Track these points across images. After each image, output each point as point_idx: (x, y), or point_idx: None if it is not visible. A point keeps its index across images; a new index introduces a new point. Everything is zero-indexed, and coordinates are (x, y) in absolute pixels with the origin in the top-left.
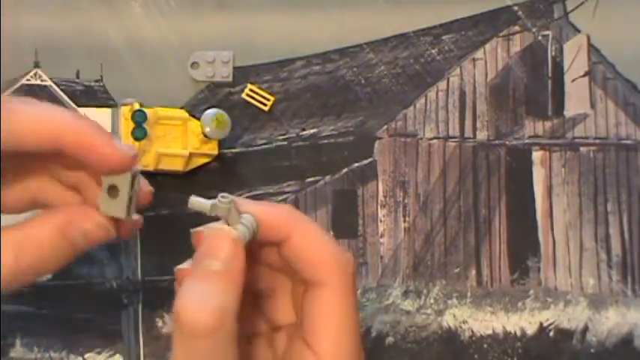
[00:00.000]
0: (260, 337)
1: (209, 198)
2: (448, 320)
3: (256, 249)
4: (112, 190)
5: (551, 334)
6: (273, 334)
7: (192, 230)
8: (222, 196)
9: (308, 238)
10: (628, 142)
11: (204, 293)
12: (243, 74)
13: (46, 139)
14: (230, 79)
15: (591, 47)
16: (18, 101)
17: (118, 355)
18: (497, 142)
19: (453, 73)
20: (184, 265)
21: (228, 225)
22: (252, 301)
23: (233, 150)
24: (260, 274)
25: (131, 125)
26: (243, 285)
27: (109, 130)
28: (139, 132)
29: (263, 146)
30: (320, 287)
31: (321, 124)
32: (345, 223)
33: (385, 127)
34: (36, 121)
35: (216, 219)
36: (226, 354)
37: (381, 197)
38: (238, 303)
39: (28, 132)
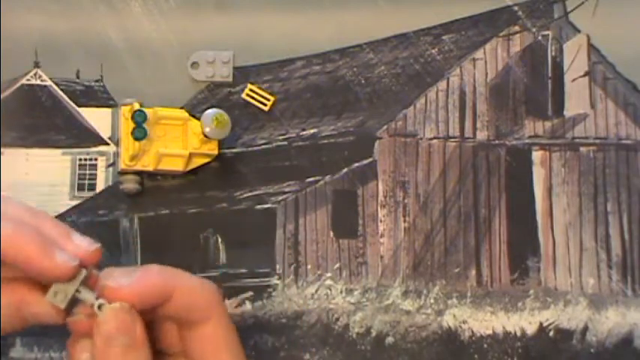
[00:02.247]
0: None
1: (209, 198)
2: (448, 320)
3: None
4: (58, 285)
5: (551, 334)
6: None
7: (70, 320)
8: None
9: (186, 290)
10: (628, 142)
11: None
12: (243, 74)
13: None
14: (230, 79)
15: (591, 47)
16: None
17: None
18: (497, 142)
19: (453, 73)
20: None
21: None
22: None
23: (233, 150)
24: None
25: (131, 125)
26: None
27: (109, 130)
28: (139, 132)
29: (263, 146)
30: (204, 323)
31: (321, 124)
32: (345, 223)
33: (385, 127)
34: None
35: None
36: None
37: (381, 197)
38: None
39: None
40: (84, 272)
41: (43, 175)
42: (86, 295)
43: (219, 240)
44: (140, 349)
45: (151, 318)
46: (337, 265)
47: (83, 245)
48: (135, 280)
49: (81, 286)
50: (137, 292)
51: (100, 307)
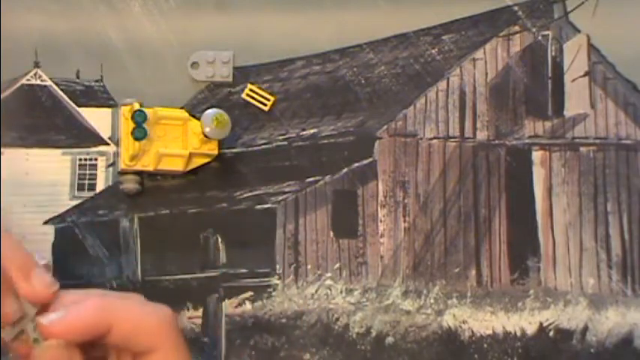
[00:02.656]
0: None
1: (209, 198)
2: (448, 320)
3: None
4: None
5: (551, 334)
6: None
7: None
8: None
9: (125, 322)
10: (628, 142)
11: None
12: (243, 74)
13: None
14: (230, 79)
15: (591, 47)
16: None
17: None
18: (497, 142)
19: (453, 73)
20: None
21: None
22: None
23: (233, 150)
24: None
25: (131, 125)
26: None
27: (109, 130)
28: (139, 132)
29: (263, 146)
30: (151, 354)
31: (321, 124)
32: (345, 223)
33: (385, 127)
34: None
35: None
36: None
37: (381, 197)
38: None
39: None
40: (34, 309)
41: (43, 175)
42: (29, 329)
43: (219, 240)
44: None
45: (104, 346)
46: (337, 265)
47: (38, 287)
48: (67, 316)
49: (29, 320)
50: (69, 329)
51: (35, 341)
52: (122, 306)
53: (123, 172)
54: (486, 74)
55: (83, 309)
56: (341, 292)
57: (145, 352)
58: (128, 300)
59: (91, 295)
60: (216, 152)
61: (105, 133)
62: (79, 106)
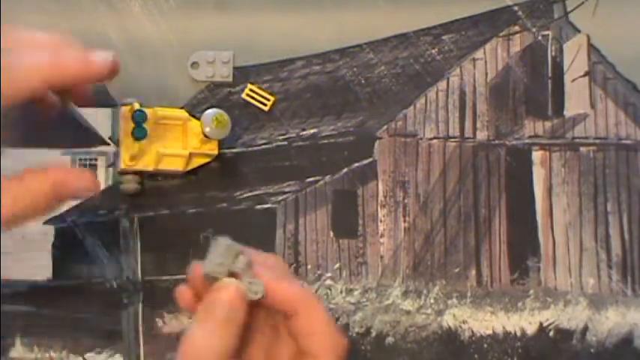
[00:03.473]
0: None
1: (209, 198)
2: (448, 320)
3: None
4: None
5: (551, 334)
6: None
7: (178, 289)
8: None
9: (316, 317)
10: (628, 142)
11: (208, 334)
12: (243, 74)
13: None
14: (230, 79)
15: (591, 47)
16: None
17: (118, 355)
18: (497, 142)
19: (453, 73)
20: (183, 288)
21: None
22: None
23: (233, 150)
24: (266, 333)
25: (131, 125)
26: (255, 339)
27: (109, 130)
28: (139, 132)
29: (263, 146)
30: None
31: (321, 124)
32: (345, 223)
33: (385, 127)
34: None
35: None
36: None
37: (381, 197)
38: (234, 347)
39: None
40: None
41: None
42: (246, 278)
43: None
44: (229, 330)
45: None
46: (337, 265)
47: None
48: (279, 278)
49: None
50: (276, 285)
51: (251, 290)
52: (317, 302)
53: (123, 172)
54: (486, 74)
55: (290, 284)
56: (341, 292)
57: (308, 356)
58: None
59: (271, 262)
60: (216, 152)
61: (105, 133)
62: (79, 106)
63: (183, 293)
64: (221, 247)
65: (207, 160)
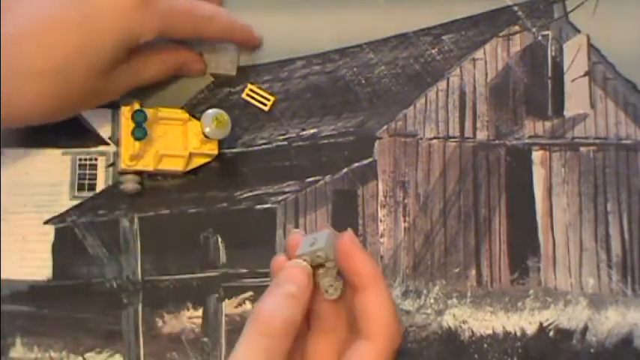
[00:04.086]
0: None
1: (209, 198)
2: (448, 320)
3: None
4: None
5: (551, 334)
6: None
7: (275, 257)
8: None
9: (379, 297)
10: (628, 142)
11: (280, 305)
12: (243, 74)
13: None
14: (234, 72)
15: (591, 47)
16: None
17: (118, 355)
18: (497, 142)
19: (453, 73)
20: (280, 257)
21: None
22: (303, 334)
23: (233, 150)
24: (333, 311)
25: (131, 125)
26: (317, 313)
27: (109, 130)
28: (139, 132)
29: (263, 146)
30: (367, 341)
31: (321, 124)
32: (345, 223)
33: (385, 127)
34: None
35: None
36: (280, 355)
37: (381, 197)
38: (301, 320)
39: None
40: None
41: (43, 175)
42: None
43: (219, 240)
44: (298, 304)
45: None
46: None
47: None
48: (358, 254)
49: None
50: (355, 261)
51: (330, 287)
52: (386, 284)
53: (123, 172)
54: (486, 74)
55: (367, 260)
56: None
57: (362, 336)
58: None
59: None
60: (216, 152)
61: (105, 133)
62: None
63: (277, 260)
64: (323, 239)
65: (207, 160)
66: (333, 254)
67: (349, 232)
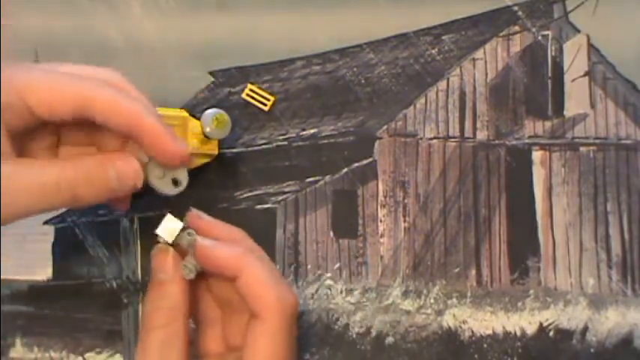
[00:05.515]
0: (216, 356)
1: (209, 198)
2: (448, 320)
3: (215, 282)
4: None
5: (551, 334)
6: (227, 354)
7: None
8: (188, 233)
9: (254, 278)
10: (628, 142)
11: (157, 296)
12: (243, 74)
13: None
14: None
15: (591, 47)
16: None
17: (118, 355)
18: (497, 142)
19: (453, 73)
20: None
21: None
22: (217, 320)
23: (233, 150)
24: (220, 301)
25: None
26: (206, 308)
27: None
28: None
29: (263, 146)
30: (258, 321)
31: (321, 124)
32: (345, 223)
33: (385, 127)
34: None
35: None
36: (177, 343)
37: (381, 197)
38: (186, 303)
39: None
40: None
41: None
42: (184, 238)
43: None
44: (176, 287)
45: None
46: (337, 265)
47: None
48: (216, 249)
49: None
50: (217, 251)
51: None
52: (259, 263)
53: None
54: (486, 74)
55: (231, 247)
56: (341, 292)
57: (254, 317)
58: (266, 264)
59: (237, 236)
60: (216, 152)
61: None
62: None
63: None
64: (163, 222)
65: (207, 160)
66: (171, 239)
67: (193, 213)
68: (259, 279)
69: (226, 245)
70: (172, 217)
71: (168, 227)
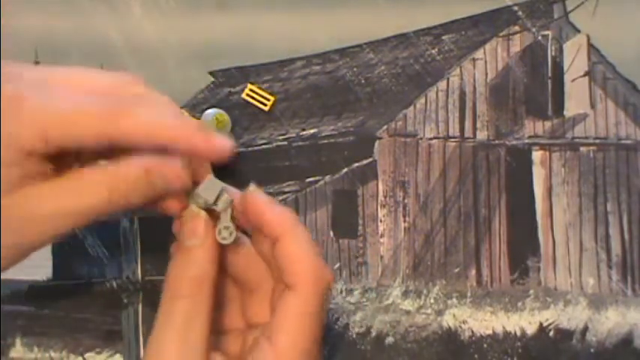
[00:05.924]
0: (235, 332)
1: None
2: (448, 320)
3: (257, 240)
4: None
5: (551, 334)
6: (248, 331)
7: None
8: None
9: (295, 243)
10: (628, 142)
11: (187, 263)
12: (243, 74)
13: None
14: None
15: (591, 47)
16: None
17: (118, 355)
18: (497, 142)
19: (453, 73)
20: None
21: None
22: (235, 297)
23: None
24: (251, 265)
25: None
26: (223, 286)
27: None
28: None
29: (263, 146)
30: (291, 290)
31: (321, 124)
32: (345, 223)
33: (385, 127)
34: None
35: None
36: (202, 315)
37: (381, 197)
38: (214, 272)
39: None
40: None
41: None
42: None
43: None
44: (205, 255)
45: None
46: (337, 265)
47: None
48: (266, 201)
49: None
50: (262, 208)
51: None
52: (302, 228)
53: None
54: (486, 74)
55: (276, 206)
56: (341, 292)
57: (287, 286)
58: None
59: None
60: None
61: None
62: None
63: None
64: (205, 183)
65: None
66: (213, 198)
67: (252, 188)
68: (301, 244)
69: (273, 203)
70: (214, 177)
71: (209, 187)
